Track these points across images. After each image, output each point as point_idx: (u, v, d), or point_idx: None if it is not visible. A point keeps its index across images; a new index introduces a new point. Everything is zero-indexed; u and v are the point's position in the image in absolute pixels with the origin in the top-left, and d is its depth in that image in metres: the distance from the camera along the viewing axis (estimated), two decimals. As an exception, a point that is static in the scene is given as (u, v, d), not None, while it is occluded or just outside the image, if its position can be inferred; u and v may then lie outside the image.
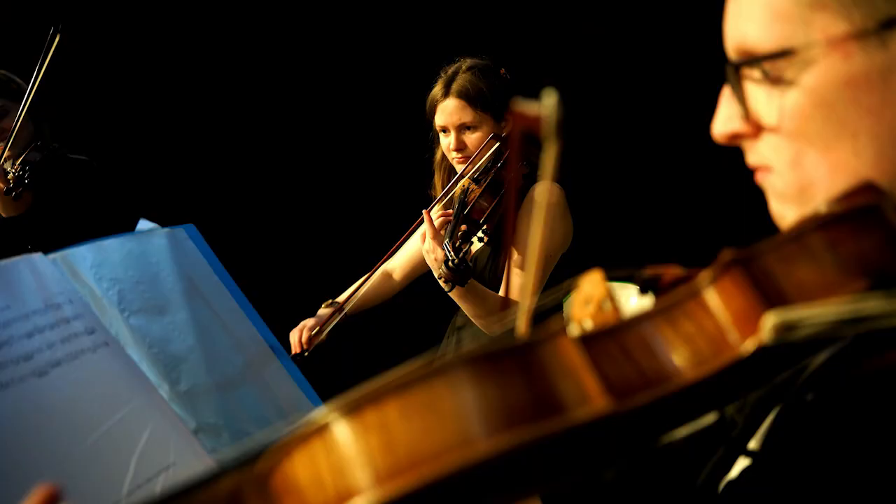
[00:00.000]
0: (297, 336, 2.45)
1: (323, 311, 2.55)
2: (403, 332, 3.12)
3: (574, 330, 0.76)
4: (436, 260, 2.15)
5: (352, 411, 0.58)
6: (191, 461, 1.21)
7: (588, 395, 0.61)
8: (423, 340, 2.61)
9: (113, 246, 1.42)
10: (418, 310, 3.17)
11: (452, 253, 2.06)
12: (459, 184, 2.34)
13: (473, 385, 0.59)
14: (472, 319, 2.28)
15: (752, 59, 0.79)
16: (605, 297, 0.82)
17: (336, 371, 3.59)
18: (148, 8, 3.65)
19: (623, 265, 0.93)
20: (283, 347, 1.57)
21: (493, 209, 2.28)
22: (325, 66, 3.72)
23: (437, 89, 2.37)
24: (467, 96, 2.31)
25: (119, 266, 1.39)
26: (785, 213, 0.84)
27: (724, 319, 0.68)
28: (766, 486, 0.78)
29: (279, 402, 1.45)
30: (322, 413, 0.60)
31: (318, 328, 2.45)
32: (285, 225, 3.79)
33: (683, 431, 0.81)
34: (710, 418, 0.81)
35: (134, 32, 3.64)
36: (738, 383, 0.73)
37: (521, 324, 0.87)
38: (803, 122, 0.78)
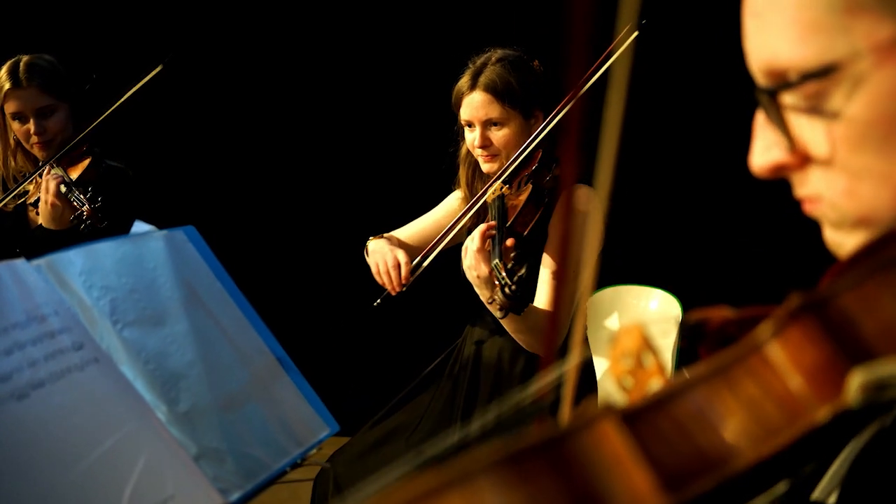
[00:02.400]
0: (395, 274, 2.15)
1: (383, 242, 2.28)
2: (415, 335, 3.00)
3: (611, 387, 0.66)
4: (478, 277, 1.98)
5: None
6: (192, 492, 1.07)
7: (638, 494, 0.51)
8: (434, 342, 2.48)
9: (105, 250, 1.29)
10: (430, 309, 3.05)
11: (506, 277, 1.86)
12: (491, 189, 2.17)
13: (498, 497, 0.50)
14: (512, 334, 2.09)
15: (792, 83, 0.67)
16: (645, 351, 0.70)
17: (347, 386, 3.48)
18: (149, 6, 3.53)
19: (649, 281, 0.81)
20: (291, 360, 1.44)
21: (539, 221, 2.12)
22: (339, 60, 3.59)
23: (464, 81, 2.19)
24: (495, 90, 2.14)
25: (112, 272, 1.26)
26: (843, 241, 0.73)
27: (795, 379, 0.56)
28: None
29: (289, 422, 1.32)
30: None
31: (419, 258, 2.18)
32: (293, 228, 3.66)
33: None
34: (781, 487, 0.69)
35: (136, 30, 3.52)
36: (815, 447, 0.61)
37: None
38: (857, 144, 0.67)
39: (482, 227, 2.02)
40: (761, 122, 0.72)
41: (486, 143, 2.17)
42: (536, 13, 3.05)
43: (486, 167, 2.22)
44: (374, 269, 2.21)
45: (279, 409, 1.32)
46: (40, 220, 2.51)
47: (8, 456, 0.94)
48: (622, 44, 1.65)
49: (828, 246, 0.74)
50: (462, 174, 2.34)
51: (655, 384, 0.67)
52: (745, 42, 0.72)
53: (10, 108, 2.55)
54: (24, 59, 2.58)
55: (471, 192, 2.33)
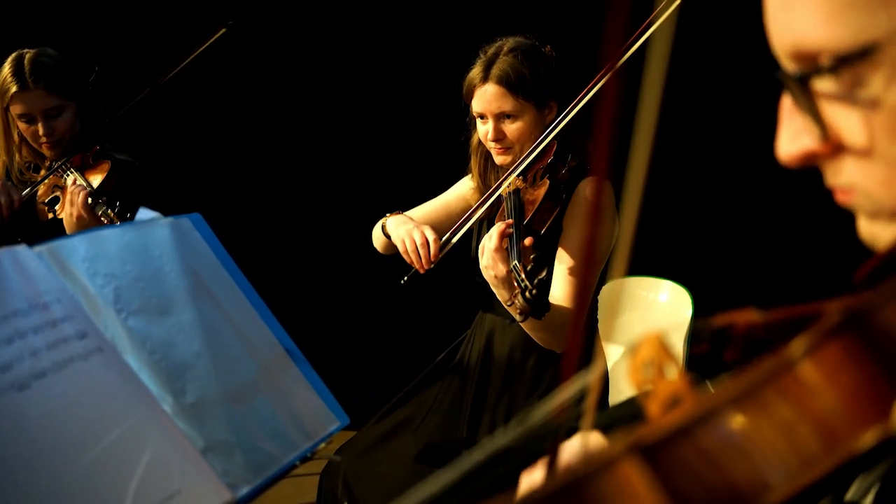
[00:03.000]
0: (425, 252, 2.08)
1: (404, 218, 2.23)
2: (424, 326, 2.95)
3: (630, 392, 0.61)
4: (496, 277, 1.92)
5: None
6: (199, 486, 1.03)
7: None
8: (443, 333, 2.44)
9: (109, 237, 1.25)
10: (439, 299, 3.00)
11: (526, 280, 1.80)
12: (506, 183, 2.10)
13: None
14: (528, 331, 2.03)
15: (824, 68, 0.61)
16: (668, 362, 0.65)
17: (357, 378, 3.44)
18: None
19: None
20: (300, 351, 1.40)
21: (556, 218, 2.07)
22: (349, 48, 3.54)
23: (476, 72, 2.13)
24: (508, 83, 2.08)
25: (116, 260, 1.22)
26: (880, 233, 0.68)
27: (834, 401, 0.51)
28: None
29: (298, 415, 1.28)
30: None
31: (448, 234, 2.12)
32: (301, 217, 3.61)
33: None
34: None
35: (139, 25, 3.47)
36: (854, 471, 0.55)
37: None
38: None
39: (500, 225, 1.95)
40: (788, 107, 0.67)
41: (499, 136, 2.11)
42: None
43: (499, 160, 2.17)
44: (400, 247, 2.14)
45: (288, 402, 1.28)
46: (64, 222, 2.48)
47: (9, 448, 0.90)
48: (663, 13, 1.58)
49: (862, 237, 0.69)
50: (474, 163, 2.29)
51: (679, 399, 0.63)
52: (768, 22, 0.66)
53: (16, 109, 2.50)
54: (28, 56, 2.51)
55: (484, 183, 2.28)
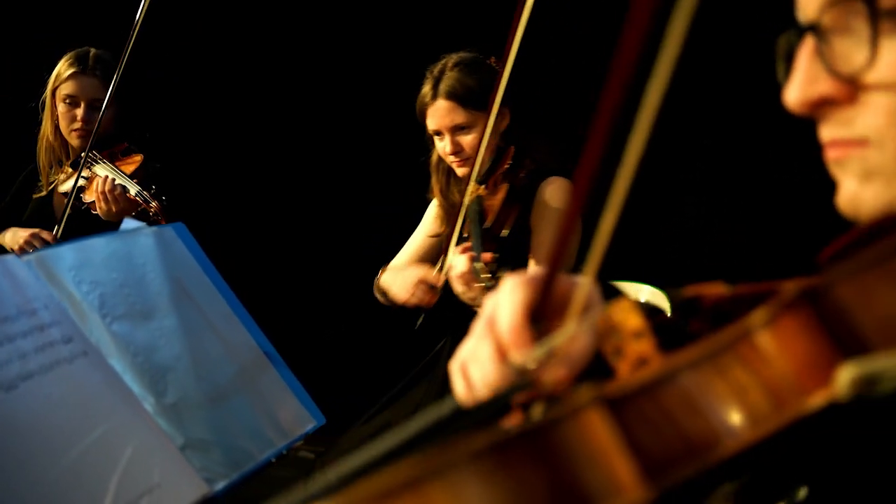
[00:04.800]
0: (421, 291, 2.17)
1: (399, 271, 2.31)
2: (403, 332, 3.01)
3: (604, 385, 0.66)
4: (474, 299, 1.99)
5: None
6: (178, 481, 1.10)
7: (620, 484, 0.51)
8: (424, 339, 2.51)
9: (95, 246, 1.31)
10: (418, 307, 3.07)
11: (492, 281, 1.88)
12: (468, 192, 2.15)
13: (479, 487, 0.50)
14: None
15: None
16: (639, 329, 0.70)
17: (336, 381, 3.50)
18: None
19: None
20: (279, 355, 1.46)
21: (519, 218, 2.14)
22: (318, 68, 3.62)
23: (426, 91, 2.21)
24: (456, 96, 2.16)
25: (101, 268, 1.28)
26: (871, 195, 0.68)
27: (786, 367, 0.56)
28: None
29: (276, 415, 1.34)
30: None
31: (439, 265, 2.21)
32: (280, 226, 3.68)
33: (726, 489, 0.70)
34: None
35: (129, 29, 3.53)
36: (801, 437, 0.60)
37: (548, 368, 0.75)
38: None
39: (460, 253, 2.02)
40: (808, 52, 0.67)
41: (457, 150, 2.18)
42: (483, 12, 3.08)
43: (460, 171, 2.24)
44: (404, 301, 2.22)
45: (266, 402, 1.35)
46: (97, 208, 2.53)
47: (-2, 445, 0.96)
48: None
49: (841, 207, 0.70)
50: (435, 182, 2.36)
51: (645, 360, 0.67)
52: None
53: (66, 89, 2.60)
54: (94, 51, 2.64)
55: (446, 200, 2.34)
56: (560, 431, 0.51)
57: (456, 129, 2.18)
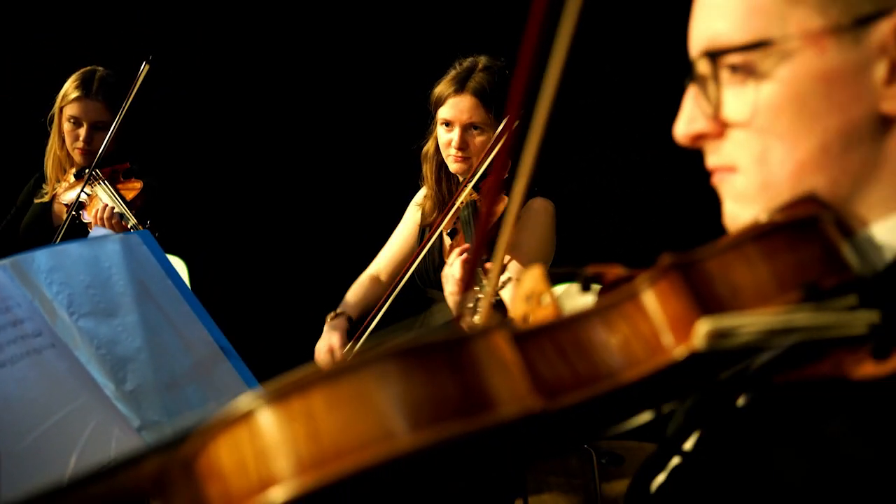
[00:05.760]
0: (329, 359, 2.36)
1: (333, 323, 2.48)
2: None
3: (514, 323, 0.76)
4: (457, 303, 2.10)
5: (278, 399, 0.58)
6: (133, 457, 1.26)
7: (518, 392, 0.62)
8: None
9: (66, 251, 1.47)
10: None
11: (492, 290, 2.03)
12: (460, 199, 2.28)
13: (402, 379, 0.59)
14: None
15: (727, 50, 0.79)
16: (545, 293, 0.85)
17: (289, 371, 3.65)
18: (134, 12, 3.71)
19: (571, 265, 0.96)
20: (234, 349, 1.62)
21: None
22: (304, 70, 3.78)
23: (450, 82, 2.31)
24: (483, 96, 2.27)
25: (70, 270, 1.44)
26: (741, 213, 0.84)
27: (660, 323, 0.69)
28: (692, 484, 0.80)
29: (227, 402, 1.50)
30: (249, 399, 0.60)
31: (348, 346, 2.38)
32: (250, 228, 3.84)
33: (620, 428, 0.84)
34: (646, 416, 0.84)
35: (122, 33, 3.69)
36: (673, 385, 0.75)
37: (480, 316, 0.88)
38: (775, 115, 0.79)
39: (460, 255, 2.14)
40: (691, 96, 0.84)
41: (463, 146, 2.29)
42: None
43: (455, 167, 2.35)
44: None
45: (219, 392, 1.51)
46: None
47: (-26, 423, 1.12)
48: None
49: (725, 220, 0.86)
50: (428, 171, 2.49)
51: (547, 315, 0.79)
52: (692, 25, 0.84)
53: (70, 110, 2.77)
54: (100, 72, 2.80)
55: (439, 190, 2.48)
56: (473, 345, 0.62)
57: (469, 127, 2.29)
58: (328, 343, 2.40)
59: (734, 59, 0.79)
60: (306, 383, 0.59)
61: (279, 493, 0.57)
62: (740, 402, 0.81)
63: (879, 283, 0.74)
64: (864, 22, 0.75)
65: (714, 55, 0.81)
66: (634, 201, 3.41)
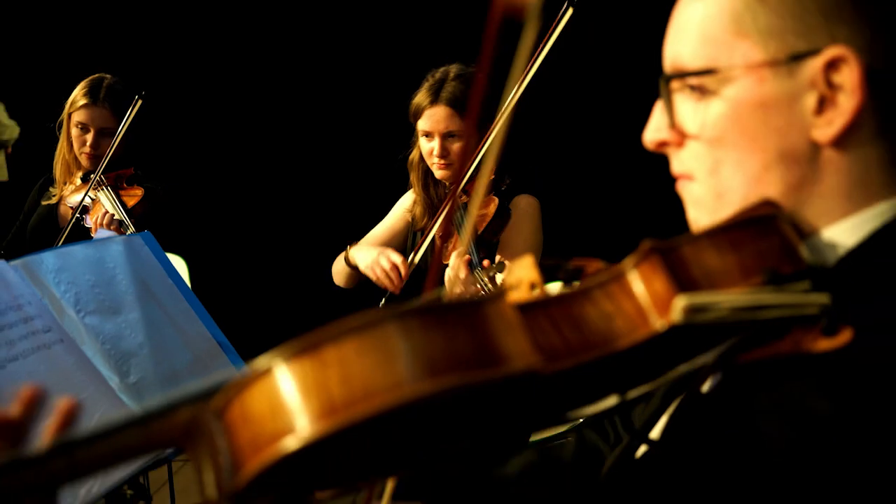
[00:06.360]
0: (395, 275, 2.33)
1: (377, 249, 2.46)
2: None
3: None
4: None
5: (313, 348, 0.66)
6: (136, 445, 1.35)
7: (523, 351, 0.71)
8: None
9: (73, 252, 1.57)
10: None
11: (491, 285, 2.11)
12: (450, 205, 2.39)
13: (423, 333, 0.67)
14: None
15: (681, 74, 0.92)
16: (534, 280, 0.95)
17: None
18: (123, 18, 3.81)
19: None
20: (231, 345, 1.72)
21: (499, 229, 2.38)
22: (302, 77, 3.87)
23: (424, 94, 2.40)
24: (456, 105, 2.35)
25: (77, 270, 1.54)
26: (700, 218, 0.95)
27: (644, 300, 0.78)
28: (659, 469, 0.90)
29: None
30: (285, 350, 0.65)
31: (412, 255, 2.40)
32: (248, 229, 3.93)
33: (590, 410, 0.94)
34: (611, 401, 0.93)
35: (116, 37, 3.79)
36: (651, 363, 0.84)
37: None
38: (721, 133, 0.90)
39: (461, 258, 2.24)
40: (658, 107, 0.96)
41: (444, 154, 2.38)
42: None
43: (440, 174, 2.45)
44: (371, 275, 2.40)
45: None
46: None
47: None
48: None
49: (689, 224, 0.99)
50: (415, 178, 2.59)
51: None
52: (666, 47, 0.97)
53: (78, 116, 2.88)
54: (108, 80, 2.91)
55: (427, 196, 2.59)
56: (485, 307, 0.72)
57: (447, 136, 2.37)
58: (390, 260, 2.37)
59: (691, 80, 0.91)
60: (340, 334, 0.66)
61: (309, 433, 0.63)
62: (704, 388, 0.91)
63: (829, 272, 0.85)
64: (797, 58, 0.86)
65: (669, 78, 0.93)
66: (617, 196, 3.51)
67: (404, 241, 2.64)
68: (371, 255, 2.43)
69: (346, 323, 0.66)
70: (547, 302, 0.78)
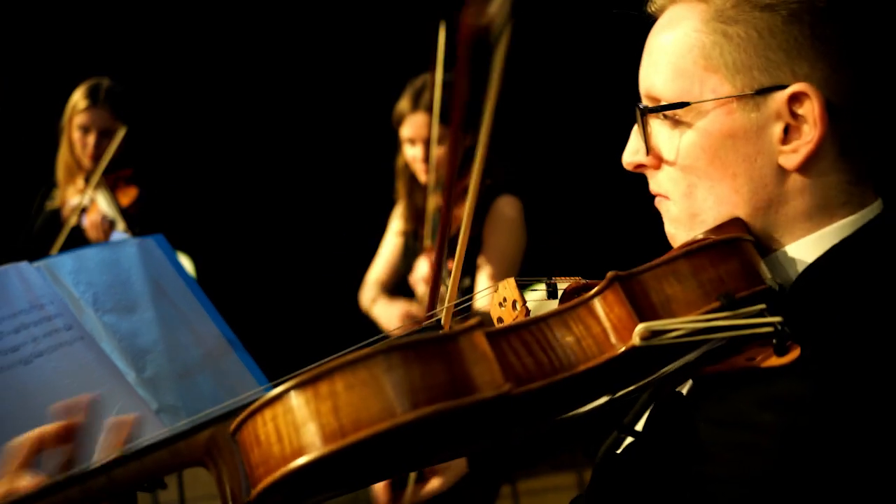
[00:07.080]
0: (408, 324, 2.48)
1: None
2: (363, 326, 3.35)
3: (490, 325, 0.94)
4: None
5: (310, 382, 0.75)
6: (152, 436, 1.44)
7: (494, 381, 0.78)
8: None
9: (90, 254, 1.65)
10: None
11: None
12: (431, 203, 2.51)
13: (403, 367, 0.75)
14: None
15: (655, 108, 1.00)
16: (516, 299, 1.04)
17: (290, 362, 3.84)
18: (119, 21, 3.88)
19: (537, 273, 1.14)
20: (239, 341, 1.80)
21: (476, 233, 2.47)
22: (301, 79, 3.95)
23: (406, 102, 2.53)
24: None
25: (95, 271, 1.62)
26: (677, 234, 1.05)
27: (607, 325, 0.86)
28: (642, 457, 0.99)
29: (234, 388, 1.68)
30: (286, 384, 0.75)
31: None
32: (253, 229, 4.01)
33: (581, 410, 1.02)
34: (602, 399, 1.01)
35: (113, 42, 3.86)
36: (623, 375, 0.93)
37: (445, 319, 1.08)
38: (694, 160, 0.98)
39: (426, 265, 2.37)
40: (635, 130, 1.05)
41: (427, 158, 2.52)
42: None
43: (423, 178, 2.57)
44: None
45: (227, 379, 1.69)
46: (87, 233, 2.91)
47: (18, 405, 1.30)
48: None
49: (668, 237, 1.08)
50: (400, 185, 2.70)
51: (518, 318, 0.99)
52: (640, 72, 1.06)
53: (79, 119, 2.98)
54: (105, 83, 3.00)
55: (410, 202, 2.68)
56: (458, 340, 0.79)
57: (429, 141, 2.49)
58: (404, 309, 2.55)
59: (665, 111, 0.99)
60: (332, 370, 0.75)
61: (307, 457, 0.73)
62: (684, 389, 1.00)
63: (782, 296, 0.94)
64: (763, 92, 0.95)
65: (644, 110, 1.01)
66: (600, 196, 3.59)
67: (405, 267, 2.73)
68: (387, 314, 2.62)
69: (338, 360, 0.75)
70: (519, 326, 0.85)
